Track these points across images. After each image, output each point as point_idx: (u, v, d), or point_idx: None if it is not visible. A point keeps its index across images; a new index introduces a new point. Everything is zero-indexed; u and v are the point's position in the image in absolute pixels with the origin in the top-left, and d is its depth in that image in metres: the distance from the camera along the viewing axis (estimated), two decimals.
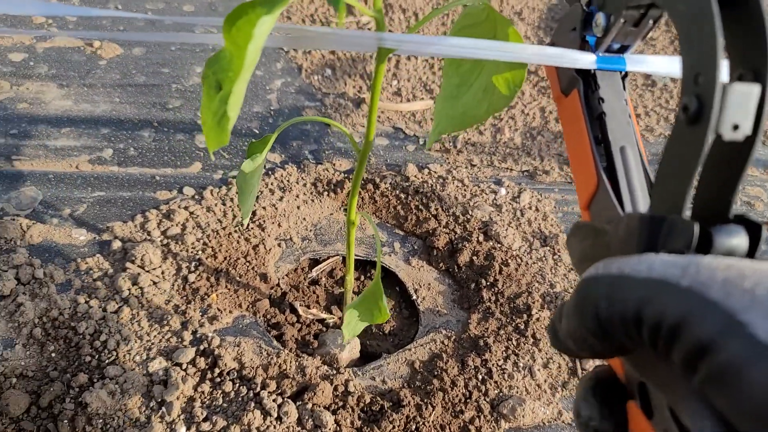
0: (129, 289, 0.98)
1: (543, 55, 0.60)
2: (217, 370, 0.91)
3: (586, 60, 0.58)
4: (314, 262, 1.10)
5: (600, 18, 0.47)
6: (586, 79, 0.53)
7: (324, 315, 1.02)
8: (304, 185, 1.18)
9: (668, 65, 0.55)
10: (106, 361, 0.90)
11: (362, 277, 1.10)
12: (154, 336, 0.94)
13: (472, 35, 0.64)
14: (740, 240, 0.33)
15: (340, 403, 0.89)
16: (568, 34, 0.54)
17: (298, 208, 1.14)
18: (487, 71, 0.65)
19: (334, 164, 1.22)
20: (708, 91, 0.31)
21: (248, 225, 1.09)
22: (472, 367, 0.96)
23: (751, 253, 0.33)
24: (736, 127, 0.31)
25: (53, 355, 0.90)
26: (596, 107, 0.51)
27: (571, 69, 0.55)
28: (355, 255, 1.06)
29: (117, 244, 1.03)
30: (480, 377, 0.95)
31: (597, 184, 0.47)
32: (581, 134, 0.51)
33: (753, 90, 0.31)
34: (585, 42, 0.52)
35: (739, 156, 0.33)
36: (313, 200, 1.16)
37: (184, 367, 0.91)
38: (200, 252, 1.04)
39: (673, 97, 1.48)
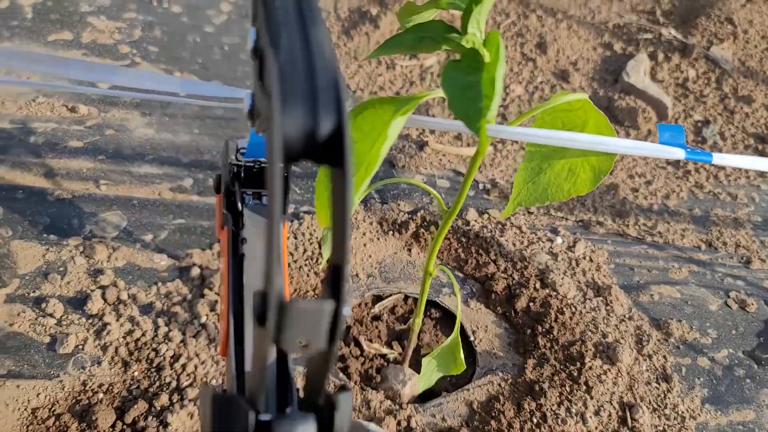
0: (207, 315, 1.04)
1: (635, 147, 0.65)
2: None
3: (676, 152, 0.64)
4: (377, 298, 1.16)
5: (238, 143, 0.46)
6: (235, 217, 0.50)
7: (386, 350, 1.08)
8: (371, 224, 1.24)
9: None
10: (185, 383, 0.96)
11: (423, 316, 1.15)
12: None
13: (565, 119, 0.69)
14: (304, 428, 0.32)
15: None
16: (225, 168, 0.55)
17: (365, 245, 1.20)
18: (572, 153, 0.70)
19: (398, 205, 1.28)
20: (268, 307, 0.26)
21: (317, 259, 1.15)
22: (528, 410, 1.00)
23: None
24: (305, 344, 0.27)
25: (136, 374, 0.96)
26: (239, 247, 0.48)
27: (222, 207, 0.53)
28: (416, 294, 1.11)
29: (196, 271, 1.09)
30: (535, 421, 0.99)
31: (227, 330, 0.44)
32: (224, 273, 0.48)
33: (323, 309, 0.26)
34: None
35: (323, 361, 0.30)
36: (378, 239, 1.22)
37: None
38: None
39: None
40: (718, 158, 0.60)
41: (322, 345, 0.28)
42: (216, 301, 1.05)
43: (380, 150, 0.51)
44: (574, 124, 0.68)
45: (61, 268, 1.06)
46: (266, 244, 0.27)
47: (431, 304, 1.15)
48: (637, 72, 1.65)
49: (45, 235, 1.10)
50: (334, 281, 0.28)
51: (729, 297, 1.23)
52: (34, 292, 1.03)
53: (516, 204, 0.74)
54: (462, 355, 0.79)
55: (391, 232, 1.24)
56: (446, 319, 1.14)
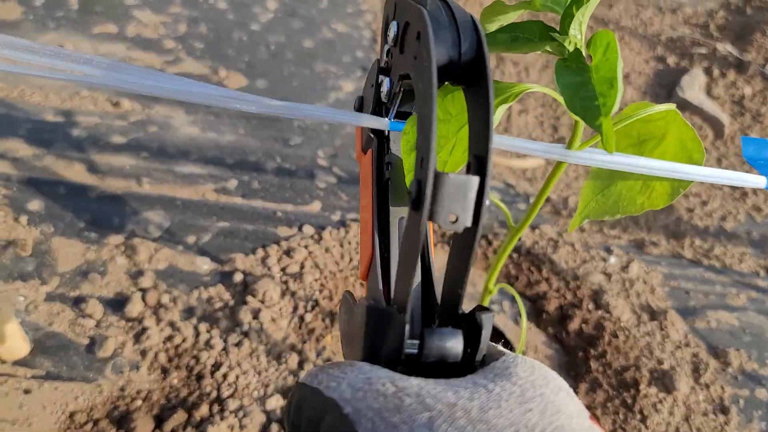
0: (249, 323, 1.00)
1: (712, 176, 0.60)
2: None
3: (758, 181, 0.59)
4: None
5: (385, 83, 0.45)
6: (381, 140, 0.51)
7: None
8: None
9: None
10: (226, 394, 0.92)
11: None
12: (272, 373, 0.96)
13: (642, 130, 0.64)
14: (452, 344, 0.31)
15: None
16: (371, 89, 0.52)
17: None
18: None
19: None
20: (425, 178, 0.28)
21: None
22: None
23: (467, 356, 0.32)
24: (455, 219, 0.29)
25: (175, 381, 0.93)
26: (384, 172, 0.49)
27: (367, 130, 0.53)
28: None
29: (238, 277, 1.06)
30: None
31: (371, 254, 0.45)
32: (367, 198, 0.48)
33: (471, 182, 0.29)
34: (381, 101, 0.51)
35: (466, 247, 0.31)
36: None
37: None
38: (317, 292, 1.07)
39: None
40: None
41: (468, 221, 0.29)
42: (259, 309, 1.02)
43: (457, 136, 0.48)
44: (651, 135, 0.63)
45: (101, 268, 1.03)
46: (421, 121, 0.30)
47: None
48: (692, 87, 1.59)
49: (86, 232, 1.07)
50: (479, 161, 0.30)
51: None
52: (73, 291, 1.00)
53: (583, 217, 0.69)
54: None
55: (439, 245, 1.19)
56: (495, 338, 1.09)
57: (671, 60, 1.72)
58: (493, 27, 0.62)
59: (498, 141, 0.61)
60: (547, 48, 0.55)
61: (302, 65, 1.49)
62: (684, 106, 1.56)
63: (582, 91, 0.46)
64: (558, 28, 0.55)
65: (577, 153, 0.61)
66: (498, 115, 0.51)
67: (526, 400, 0.28)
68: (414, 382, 0.28)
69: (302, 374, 0.35)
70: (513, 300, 1.14)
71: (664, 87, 1.63)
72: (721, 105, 1.61)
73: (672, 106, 0.62)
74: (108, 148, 1.21)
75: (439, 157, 0.52)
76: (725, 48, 1.74)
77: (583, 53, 0.51)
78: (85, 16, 1.47)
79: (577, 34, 0.53)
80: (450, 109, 0.51)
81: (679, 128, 0.63)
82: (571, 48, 0.51)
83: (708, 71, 1.69)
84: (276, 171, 1.24)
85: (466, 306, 0.31)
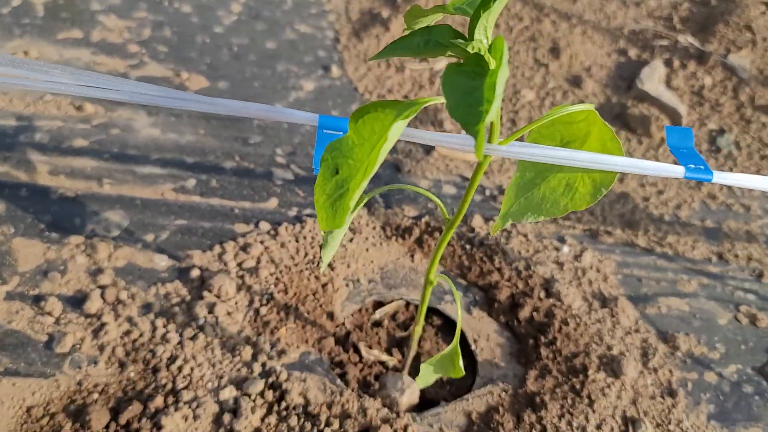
0: (205, 317, 1.03)
1: (636, 167, 0.63)
2: (284, 404, 0.95)
3: (676, 170, 0.61)
4: (378, 304, 1.14)
5: None
6: None
7: (385, 357, 1.06)
8: (374, 228, 1.22)
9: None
10: (181, 386, 0.95)
11: (423, 322, 1.13)
12: (226, 365, 0.98)
13: (565, 132, 0.66)
14: None
15: None
16: None
17: (367, 250, 1.19)
18: (569, 167, 0.67)
19: (403, 209, 1.26)
20: None
21: (318, 263, 1.13)
22: (527, 423, 0.98)
23: None
24: None
25: (132, 375, 0.95)
26: None
27: None
28: (418, 301, 1.10)
29: (195, 272, 1.09)
30: None
31: None
32: None
33: None
34: None
35: None
36: (381, 244, 1.21)
37: (253, 397, 0.95)
38: (272, 286, 1.09)
39: (736, 165, 1.49)
40: (719, 177, 0.57)
41: None
42: (215, 303, 1.04)
43: (379, 153, 0.50)
44: (574, 137, 0.66)
45: (61, 267, 1.06)
46: None
47: (433, 311, 1.14)
48: (652, 79, 1.62)
49: (47, 233, 1.10)
50: None
51: (739, 311, 1.20)
52: (33, 290, 1.03)
53: (506, 219, 0.71)
54: (461, 363, 0.77)
55: (394, 237, 1.22)
56: (448, 326, 1.12)
57: (633, 53, 1.75)
58: (416, 27, 0.65)
59: (410, 134, 0.63)
60: (452, 53, 0.57)
61: (264, 66, 1.51)
62: (643, 97, 1.58)
63: (470, 96, 0.48)
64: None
65: (498, 147, 0.63)
66: (397, 130, 0.52)
67: None
68: None
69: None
70: (466, 290, 1.16)
71: (625, 79, 1.66)
72: (680, 96, 1.63)
73: (590, 106, 0.64)
74: (70, 150, 1.24)
75: (354, 180, 0.54)
76: (687, 39, 1.77)
77: (488, 59, 0.53)
78: (51, 22, 1.50)
79: (483, 39, 0.55)
80: (363, 132, 0.54)
81: (599, 129, 0.65)
82: (473, 52, 0.53)
83: (668, 63, 1.71)
84: (234, 169, 1.27)
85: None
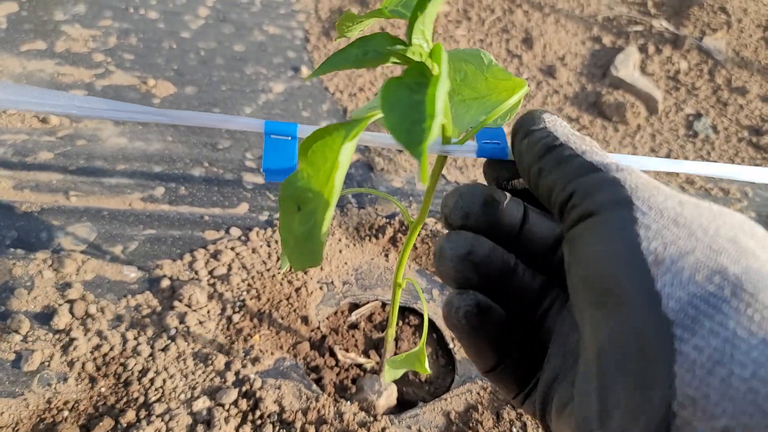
0: (176, 327, 1.01)
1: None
2: (258, 412, 0.93)
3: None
4: (354, 306, 1.13)
5: None
6: None
7: (362, 359, 1.05)
8: (347, 229, 1.21)
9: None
10: (153, 399, 0.93)
11: (401, 322, 1.12)
12: (199, 375, 0.97)
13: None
14: None
15: None
16: None
17: (340, 252, 1.17)
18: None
19: (376, 209, 1.25)
20: None
21: (290, 268, 1.12)
22: (507, 420, 0.97)
23: None
24: None
25: (103, 390, 0.94)
26: None
27: None
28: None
29: (166, 282, 1.07)
30: (515, 431, 0.96)
31: None
32: None
33: None
34: None
35: None
36: (354, 245, 1.19)
37: (226, 407, 0.93)
38: (244, 293, 1.08)
39: (714, 149, 1.48)
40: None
41: None
42: (185, 313, 1.03)
43: (334, 182, 0.47)
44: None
45: (28, 283, 1.04)
46: None
47: (409, 310, 1.12)
48: (626, 65, 1.61)
49: (12, 249, 1.08)
50: None
51: None
52: None
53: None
54: (427, 364, 0.76)
55: (368, 238, 1.21)
56: (429, 329, 1.10)
57: (607, 40, 1.73)
58: (351, 35, 0.62)
59: (366, 138, 0.61)
60: (395, 60, 0.55)
61: (232, 69, 1.49)
62: (618, 84, 1.57)
63: (413, 112, 0.45)
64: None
65: (451, 147, 0.62)
66: (347, 153, 0.50)
67: (750, 223, 0.31)
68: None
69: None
70: (443, 287, 1.15)
71: (600, 67, 1.65)
72: (655, 81, 1.62)
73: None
74: (35, 164, 1.21)
75: (318, 215, 0.52)
76: (661, 24, 1.76)
77: (431, 65, 0.50)
78: (13, 34, 1.48)
79: (422, 43, 0.52)
80: (316, 161, 0.51)
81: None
82: (416, 59, 0.51)
83: (643, 48, 1.70)
84: (204, 176, 1.25)
85: None
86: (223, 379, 0.96)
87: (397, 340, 1.08)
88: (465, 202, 0.40)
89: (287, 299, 1.08)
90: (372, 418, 0.94)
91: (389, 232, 1.20)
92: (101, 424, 0.89)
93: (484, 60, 0.60)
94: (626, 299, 0.28)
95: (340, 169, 0.45)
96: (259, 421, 0.92)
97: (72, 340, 0.98)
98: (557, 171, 0.34)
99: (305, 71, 1.52)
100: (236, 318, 1.04)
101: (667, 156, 1.43)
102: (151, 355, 0.98)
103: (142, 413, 0.91)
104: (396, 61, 0.55)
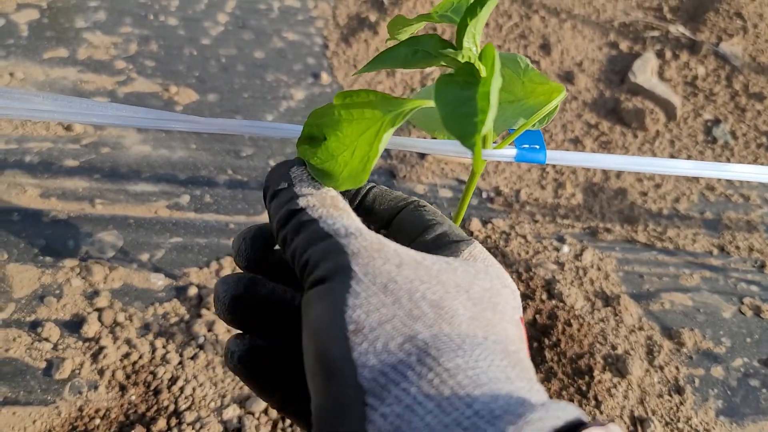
0: (204, 336, 1.02)
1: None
2: (288, 421, 0.94)
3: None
4: None
5: None
6: None
7: None
8: None
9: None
10: (183, 407, 0.94)
11: None
12: (228, 383, 0.97)
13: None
14: None
15: None
16: None
17: None
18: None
19: None
20: None
21: None
22: None
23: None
24: None
25: (134, 398, 0.94)
26: None
27: None
28: None
29: (193, 291, 1.07)
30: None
31: None
32: None
33: None
34: None
35: None
36: None
37: (257, 415, 0.94)
38: None
39: (734, 155, 1.48)
40: (552, 158, 0.57)
41: None
42: (214, 321, 1.03)
43: (367, 165, 0.48)
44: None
45: (57, 291, 1.05)
46: None
47: None
48: (644, 71, 1.61)
49: (41, 257, 1.09)
50: None
51: (743, 303, 1.19)
52: (29, 316, 1.01)
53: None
54: None
55: None
56: None
57: (624, 45, 1.74)
58: (402, 37, 0.63)
59: (401, 143, 0.62)
60: (443, 63, 0.56)
61: (253, 76, 1.50)
62: (636, 90, 1.57)
63: (464, 107, 0.46)
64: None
65: (490, 151, 0.62)
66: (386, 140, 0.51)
67: (477, 279, 0.33)
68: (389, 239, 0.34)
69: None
70: None
71: (618, 73, 1.65)
72: (673, 87, 1.62)
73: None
74: (61, 172, 1.22)
75: (338, 162, 0.53)
76: (678, 29, 1.76)
77: (479, 67, 0.51)
78: (35, 42, 1.49)
79: (472, 47, 0.53)
80: (352, 115, 0.52)
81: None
82: (463, 61, 0.52)
83: (660, 54, 1.70)
84: (228, 183, 1.25)
85: None
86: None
87: None
88: (247, 245, 0.40)
89: None
90: None
91: None
92: None
93: (520, 64, 0.61)
94: (331, 369, 0.28)
95: (373, 157, 0.46)
96: (289, 429, 0.93)
97: (101, 348, 0.98)
98: (297, 238, 0.34)
99: (325, 78, 1.53)
100: None
101: None
102: (180, 363, 0.98)
103: (173, 421, 0.92)
104: (443, 64, 0.56)
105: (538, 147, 0.62)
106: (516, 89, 0.61)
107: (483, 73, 0.50)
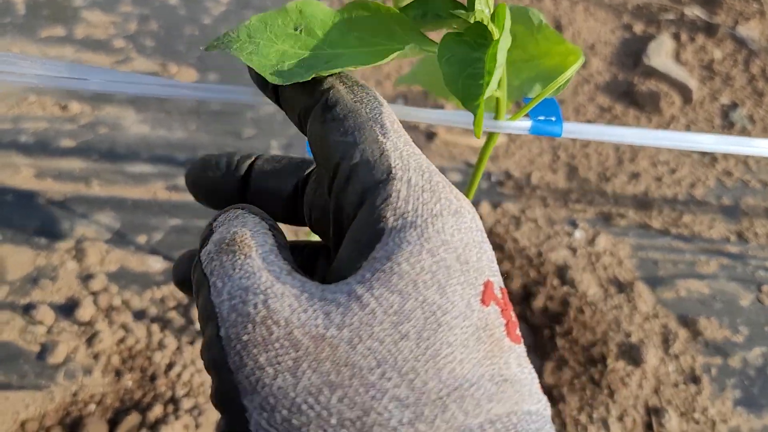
0: None
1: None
2: None
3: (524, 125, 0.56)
4: None
5: None
6: None
7: None
8: None
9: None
10: (181, 393, 0.91)
11: None
12: None
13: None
14: None
15: None
16: None
17: None
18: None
19: None
20: None
21: None
22: None
23: None
24: None
25: (130, 383, 0.91)
26: None
27: None
28: None
29: None
30: (555, 428, 0.93)
31: None
32: None
33: None
34: None
35: None
36: None
37: None
38: None
39: None
40: (569, 131, 0.54)
41: None
42: None
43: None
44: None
45: (51, 273, 1.01)
46: None
47: None
48: (659, 54, 1.56)
49: (35, 238, 1.05)
50: None
51: (761, 291, 1.15)
52: (23, 298, 0.98)
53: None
54: None
55: None
56: None
57: (638, 28, 1.69)
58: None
59: (408, 113, 0.58)
60: (454, 25, 0.52)
61: None
62: (651, 73, 1.52)
63: (471, 68, 0.43)
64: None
65: (504, 123, 0.58)
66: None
67: (403, 319, 0.25)
68: (287, 301, 0.26)
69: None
70: None
71: (631, 56, 1.60)
72: (689, 70, 1.58)
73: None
74: (56, 152, 1.19)
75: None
76: (693, 12, 1.71)
77: (492, 29, 0.48)
78: (32, 20, 1.45)
79: (484, 9, 0.50)
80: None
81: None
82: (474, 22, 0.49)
83: (676, 36, 1.66)
84: None
85: None
86: None
87: None
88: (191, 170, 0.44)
89: None
90: None
91: None
92: (128, 418, 0.87)
93: (533, 20, 0.56)
94: None
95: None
96: None
97: (97, 332, 0.95)
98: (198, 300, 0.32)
99: None
100: None
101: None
102: (178, 348, 0.95)
103: (170, 408, 0.89)
104: (455, 26, 0.52)
105: (554, 119, 0.58)
106: (530, 47, 0.57)
107: (495, 36, 0.46)
